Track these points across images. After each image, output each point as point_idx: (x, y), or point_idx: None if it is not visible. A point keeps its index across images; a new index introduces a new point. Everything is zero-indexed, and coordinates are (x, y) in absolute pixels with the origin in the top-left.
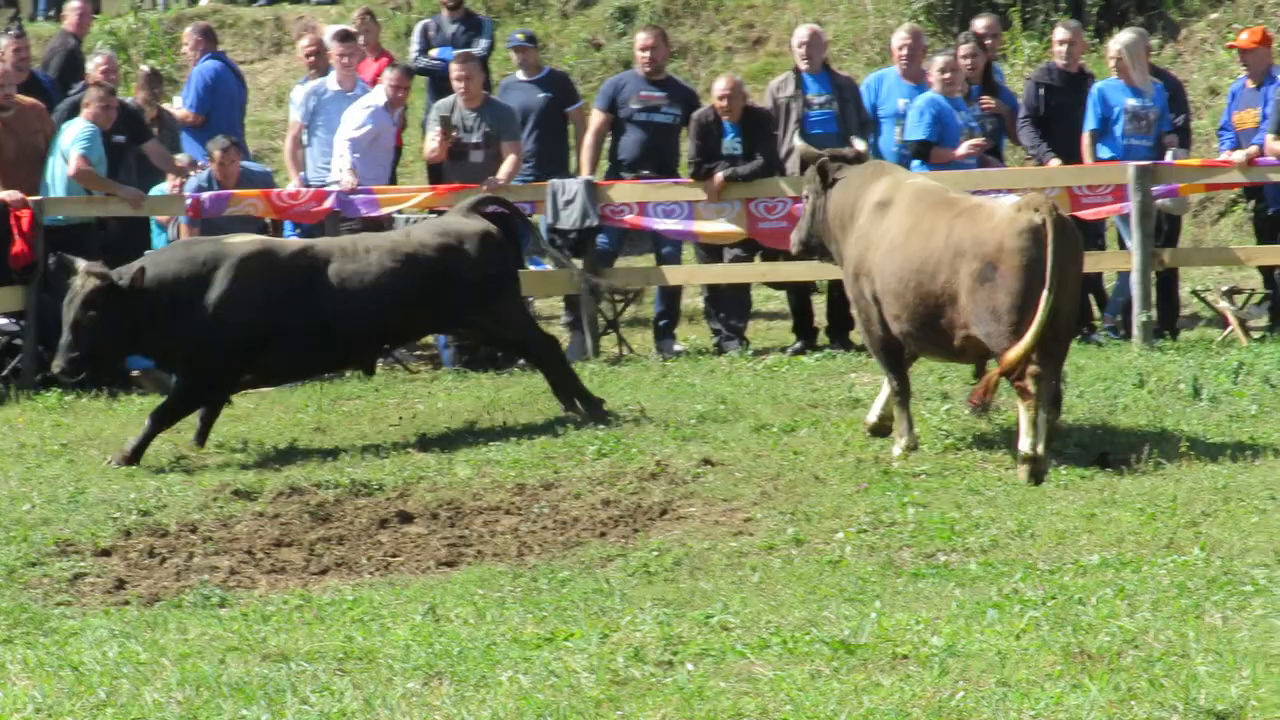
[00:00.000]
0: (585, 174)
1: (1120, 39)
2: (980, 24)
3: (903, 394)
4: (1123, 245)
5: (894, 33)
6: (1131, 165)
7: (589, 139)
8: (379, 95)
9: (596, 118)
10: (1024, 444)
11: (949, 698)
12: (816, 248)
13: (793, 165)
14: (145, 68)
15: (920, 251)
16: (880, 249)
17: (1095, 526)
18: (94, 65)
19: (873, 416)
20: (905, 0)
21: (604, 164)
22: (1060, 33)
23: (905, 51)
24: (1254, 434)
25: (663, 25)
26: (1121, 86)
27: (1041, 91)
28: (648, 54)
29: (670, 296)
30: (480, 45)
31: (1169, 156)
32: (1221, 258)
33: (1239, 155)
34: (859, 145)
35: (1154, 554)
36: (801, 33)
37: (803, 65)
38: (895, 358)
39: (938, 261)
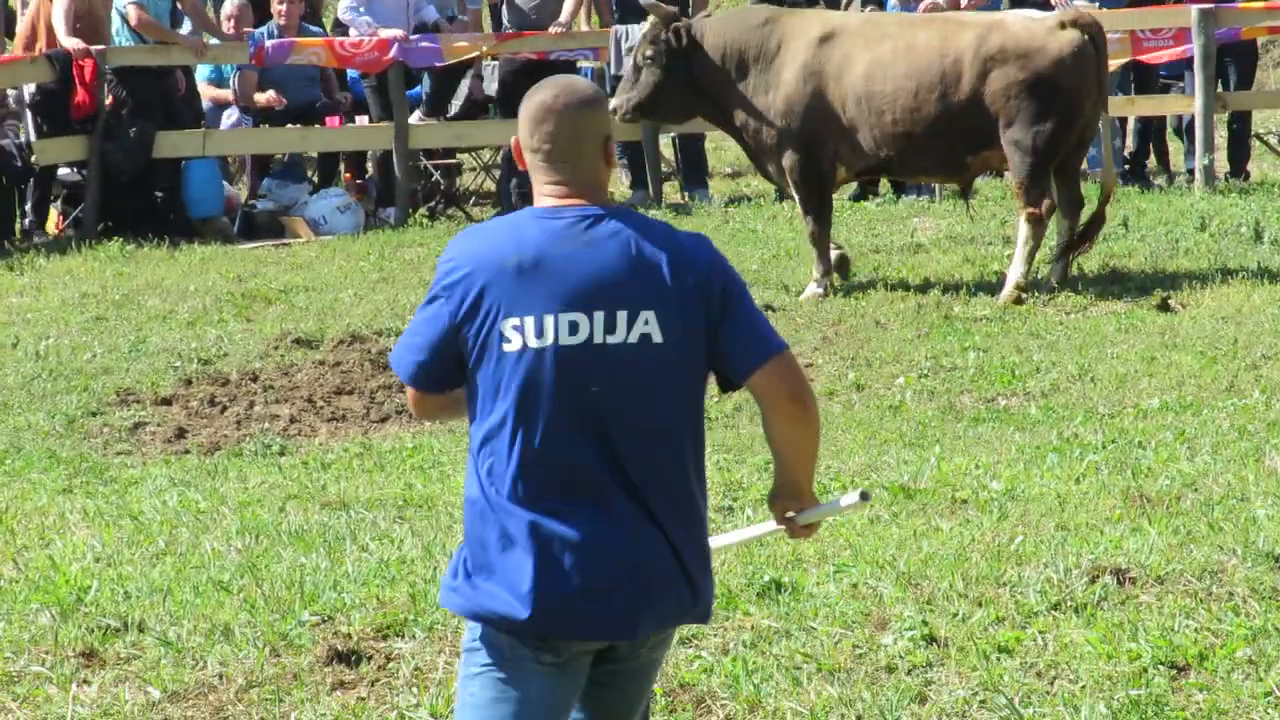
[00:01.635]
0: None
1: None
2: None
3: (825, 236)
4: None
5: None
6: (1195, 8)
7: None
8: None
9: None
10: (1020, 272)
11: (1008, 542)
12: (660, 108)
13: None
14: None
15: (932, 65)
16: (854, 74)
17: (1155, 370)
18: None
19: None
20: None
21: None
22: None
23: None
24: None
25: None
26: None
27: None
28: None
29: (694, 146)
30: None
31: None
32: None
33: None
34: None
35: (1214, 397)
36: None
37: None
38: (828, 200)
39: (960, 74)
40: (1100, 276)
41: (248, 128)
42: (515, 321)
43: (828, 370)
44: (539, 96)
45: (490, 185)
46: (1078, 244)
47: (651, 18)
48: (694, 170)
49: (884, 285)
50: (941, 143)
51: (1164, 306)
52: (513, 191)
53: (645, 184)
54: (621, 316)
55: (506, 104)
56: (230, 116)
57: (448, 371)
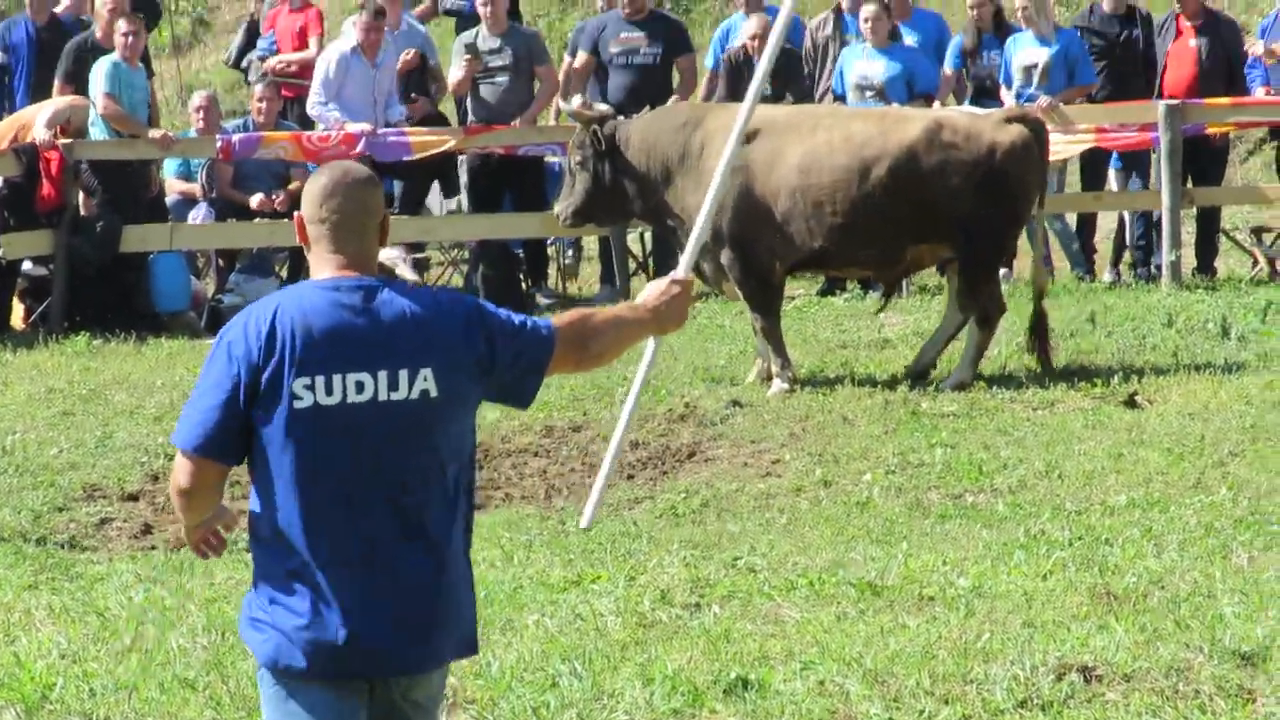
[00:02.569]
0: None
1: None
2: None
3: (778, 330)
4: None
5: None
6: (1161, 104)
7: (571, 78)
8: (349, 39)
9: (580, 58)
10: (970, 372)
11: (975, 639)
12: (596, 213)
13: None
14: None
15: (879, 156)
16: (786, 167)
17: (1123, 466)
18: (101, 3)
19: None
20: None
21: None
22: None
23: None
24: None
25: None
26: (1028, 38)
27: (1081, 34)
28: None
29: (664, 241)
30: None
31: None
32: (1249, 196)
33: (1258, 46)
34: (603, 106)
35: (1181, 494)
36: None
37: (844, 4)
38: (774, 294)
39: (910, 165)
40: (1067, 372)
41: (215, 222)
42: (306, 380)
43: (795, 466)
44: (328, 174)
45: (458, 280)
46: (1035, 348)
47: (578, 124)
48: (664, 266)
49: (851, 381)
50: (882, 234)
51: (1131, 403)
52: (480, 286)
53: (613, 279)
54: (403, 375)
55: (475, 198)
56: (197, 213)
57: (237, 436)
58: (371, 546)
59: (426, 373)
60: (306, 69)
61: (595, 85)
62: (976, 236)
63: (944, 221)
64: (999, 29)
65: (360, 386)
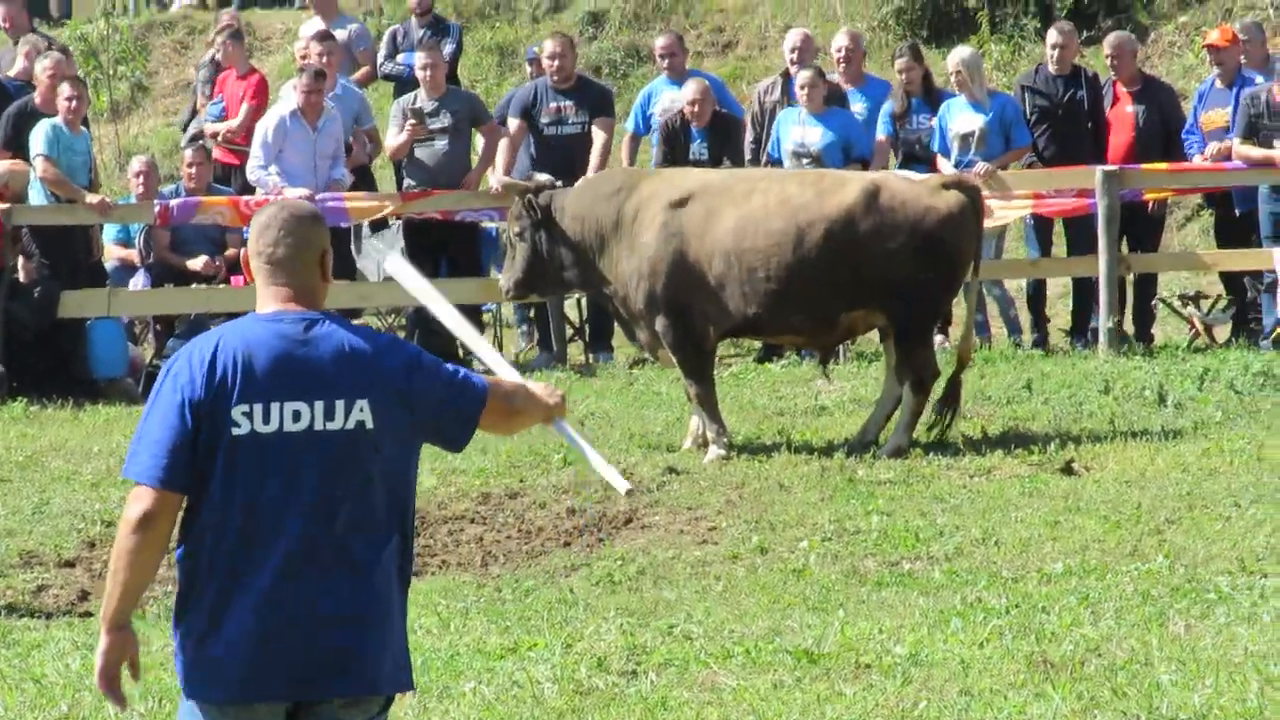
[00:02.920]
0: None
1: (958, 54)
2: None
3: (712, 397)
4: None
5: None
6: (1099, 169)
7: (504, 146)
8: (288, 103)
9: (513, 125)
10: (906, 438)
11: (912, 707)
12: (537, 283)
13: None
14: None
15: (814, 220)
16: (720, 230)
17: (1059, 534)
18: (42, 68)
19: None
20: (875, 4)
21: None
22: (1053, 36)
23: (842, 54)
24: (1219, 441)
25: (632, 29)
26: (962, 104)
27: (1026, 94)
28: (556, 62)
29: (600, 308)
30: (447, 49)
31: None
32: (1186, 263)
33: (1211, 148)
34: (542, 176)
35: (1118, 562)
36: (793, 37)
37: (793, 70)
38: (707, 360)
39: (845, 229)
40: (1004, 439)
41: (152, 288)
42: (245, 408)
43: (731, 533)
44: (269, 210)
45: None
46: (941, 415)
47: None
48: (599, 332)
49: (788, 448)
50: (817, 299)
51: (1068, 470)
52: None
53: (550, 345)
54: (339, 405)
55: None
56: (137, 279)
57: (188, 466)
58: (299, 573)
59: (363, 404)
60: (249, 136)
61: (527, 154)
62: (912, 302)
63: (879, 286)
64: (928, 94)
65: (297, 415)
